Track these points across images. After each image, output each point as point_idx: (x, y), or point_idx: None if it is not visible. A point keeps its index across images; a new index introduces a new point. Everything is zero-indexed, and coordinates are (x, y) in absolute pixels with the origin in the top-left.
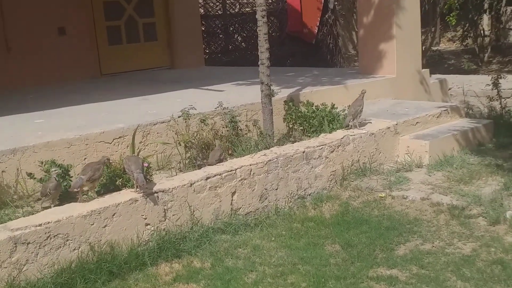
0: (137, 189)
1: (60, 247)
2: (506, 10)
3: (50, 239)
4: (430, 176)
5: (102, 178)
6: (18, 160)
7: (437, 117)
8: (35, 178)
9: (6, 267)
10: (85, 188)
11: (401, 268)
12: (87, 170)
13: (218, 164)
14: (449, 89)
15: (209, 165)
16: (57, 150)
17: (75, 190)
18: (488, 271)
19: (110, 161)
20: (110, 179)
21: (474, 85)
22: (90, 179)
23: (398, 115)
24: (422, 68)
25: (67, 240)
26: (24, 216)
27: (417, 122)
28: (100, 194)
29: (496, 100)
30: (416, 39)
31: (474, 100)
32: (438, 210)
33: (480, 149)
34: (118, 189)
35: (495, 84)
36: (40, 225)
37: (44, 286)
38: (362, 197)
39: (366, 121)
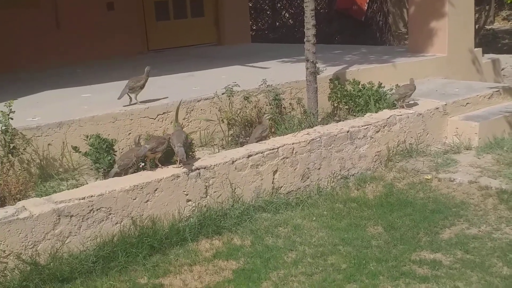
0: (179, 164)
1: (103, 220)
2: None
3: (93, 212)
4: (479, 158)
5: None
6: (64, 133)
7: (489, 98)
8: (80, 151)
9: (49, 239)
10: (149, 158)
11: (445, 253)
12: (152, 141)
13: (260, 142)
14: (502, 69)
15: (249, 143)
16: (102, 124)
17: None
18: None
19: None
20: None
21: None
22: (153, 150)
23: (447, 95)
24: (475, 47)
25: (110, 213)
26: (68, 189)
27: (467, 103)
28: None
29: None
30: (469, 17)
31: None
32: (486, 193)
33: None
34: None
35: None
36: (83, 198)
37: (87, 258)
38: (407, 179)
39: (414, 101)
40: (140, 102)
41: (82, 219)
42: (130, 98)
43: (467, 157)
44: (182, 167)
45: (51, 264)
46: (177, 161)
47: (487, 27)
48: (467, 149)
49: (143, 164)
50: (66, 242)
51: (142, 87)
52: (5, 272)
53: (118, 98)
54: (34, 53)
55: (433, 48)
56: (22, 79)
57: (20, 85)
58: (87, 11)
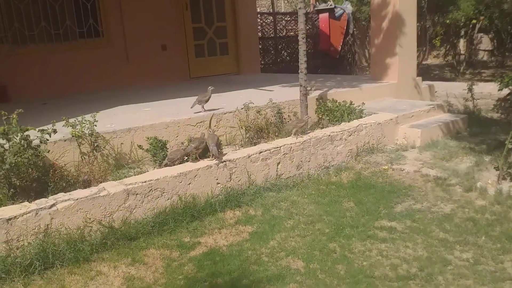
0: (212, 158)
1: (158, 197)
2: (477, 36)
3: (152, 191)
4: (421, 154)
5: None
6: (132, 136)
7: (427, 112)
8: (143, 148)
9: (121, 210)
10: (193, 153)
11: (398, 221)
12: (195, 141)
13: (295, 132)
14: (436, 92)
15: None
16: (158, 130)
17: (188, 153)
18: (463, 226)
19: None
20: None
21: (454, 89)
22: (196, 148)
23: (398, 110)
24: (416, 76)
25: (163, 192)
26: (135, 175)
27: (412, 116)
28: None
29: (470, 100)
30: (412, 55)
31: (453, 100)
32: (426, 179)
33: (458, 136)
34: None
35: (470, 89)
36: (145, 181)
37: (147, 223)
38: (370, 169)
39: (376, 114)
40: (206, 110)
41: (144, 196)
42: (203, 107)
43: (413, 154)
44: (214, 160)
45: (122, 227)
46: (210, 156)
47: (424, 62)
48: (412, 148)
49: (186, 157)
50: (133, 212)
51: (207, 100)
52: (90, 233)
53: (191, 107)
54: (111, 78)
55: (387, 77)
56: (102, 98)
57: (100, 102)
58: (148, 50)
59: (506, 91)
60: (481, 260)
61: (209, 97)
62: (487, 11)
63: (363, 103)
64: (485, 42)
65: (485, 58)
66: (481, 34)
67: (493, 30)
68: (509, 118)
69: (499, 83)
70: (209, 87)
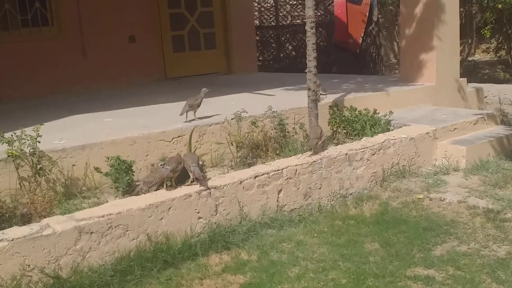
0: (193, 183)
1: (120, 237)
2: None
3: (112, 229)
4: (466, 179)
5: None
6: (87, 155)
7: (474, 123)
8: (101, 172)
9: (71, 254)
10: (169, 178)
11: (438, 269)
12: (172, 162)
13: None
14: (485, 97)
15: (309, 145)
16: (122, 147)
17: (163, 178)
18: None
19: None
20: None
21: (509, 94)
22: (174, 170)
23: (436, 121)
24: (460, 77)
25: (127, 230)
26: (90, 207)
27: (455, 128)
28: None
29: None
30: (454, 50)
31: (509, 108)
32: (474, 212)
33: None
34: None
35: None
36: (103, 216)
37: (105, 272)
38: (401, 198)
39: (407, 126)
40: (198, 118)
41: (102, 235)
42: (194, 114)
43: (456, 178)
44: (197, 186)
45: (72, 277)
46: (190, 181)
47: (470, 58)
48: (455, 171)
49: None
50: (86, 257)
51: (199, 105)
52: (29, 285)
53: (180, 115)
54: (62, 79)
55: (422, 78)
56: (50, 104)
57: (48, 110)
58: (111, 43)
59: None
60: None
61: (201, 101)
62: None
63: (391, 112)
64: None
65: None
66: None
67: None
68: None
69: None
70: (203, 88)
